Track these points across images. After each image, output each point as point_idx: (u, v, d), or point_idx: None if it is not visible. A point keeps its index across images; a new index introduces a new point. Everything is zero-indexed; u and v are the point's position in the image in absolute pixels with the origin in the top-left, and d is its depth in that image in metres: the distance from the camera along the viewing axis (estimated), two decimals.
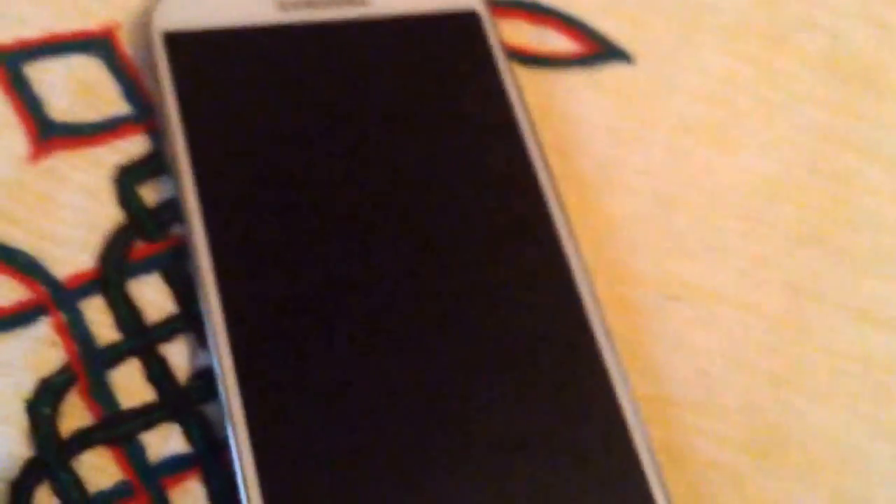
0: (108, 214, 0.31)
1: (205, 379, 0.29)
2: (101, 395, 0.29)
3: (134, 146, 0.32)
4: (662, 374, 0.31)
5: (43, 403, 0.28)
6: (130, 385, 0.29)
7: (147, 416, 0.29)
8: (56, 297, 0.29)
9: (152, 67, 0.31)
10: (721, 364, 0.32)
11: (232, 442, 0.27)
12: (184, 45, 0.32)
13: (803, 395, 0.32)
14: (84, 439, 0.28)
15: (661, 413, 0.31)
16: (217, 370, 0.27)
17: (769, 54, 0.37)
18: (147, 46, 0.32)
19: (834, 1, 0.38)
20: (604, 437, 0.28)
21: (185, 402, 0.29)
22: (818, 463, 0.31)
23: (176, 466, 0.28)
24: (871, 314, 0.33)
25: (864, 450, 0.31)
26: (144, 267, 0.30)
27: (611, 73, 0.36)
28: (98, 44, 0.33)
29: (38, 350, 0.29)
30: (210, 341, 0.28)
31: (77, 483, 0.28)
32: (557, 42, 0.36)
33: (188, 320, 0.30)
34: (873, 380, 0.32)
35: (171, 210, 0.31)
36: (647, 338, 0.32)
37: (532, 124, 0.32)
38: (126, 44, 0.33)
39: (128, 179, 0.31)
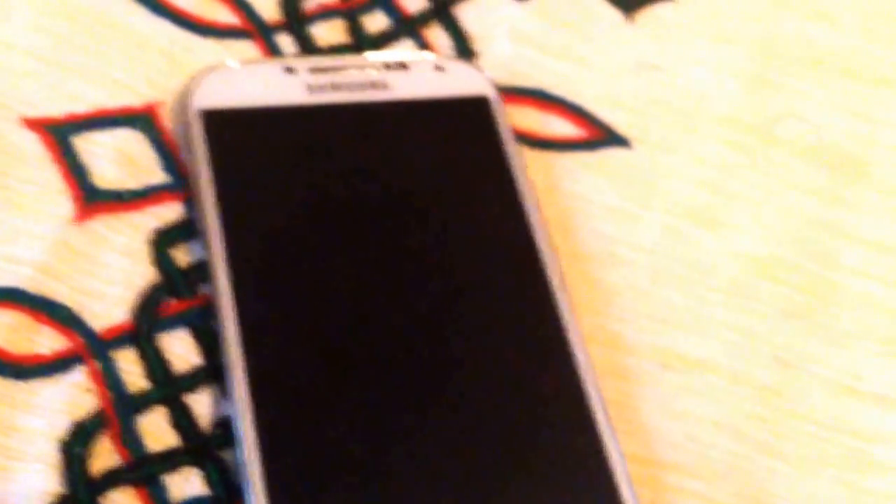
0: (143, 273, 0.32)
1: (225, 427, 0.30)
2: (129, 438, 0.29)
3: (169, 212, 0.33)
4: (653, 438, 0.32)
5: (76, 444, 0.29)
6: (157, 430, 0.30)
7: (171, 460, 0.29)
8: (92, 348, 0.30)
9: (189, 141, 0.33)
10: (709, 430, 0.32)
11: (247, 488, 0.27)
12: (218, 123, 0.33)
13: (788, 462, 0.32)
14: (112, 479, 0.29)
15: (651, 475, 0.31)
16: (236, 420, 0.28)
17: (759, 143, 0.38)
18: (185, 122, 0.33)
19: (819, 95, 0.39)
20: (595, 497, 0.29)
21: (207, 448, 0.30)
22: None
23: None
24: (853, 387, 0.34)
25: None
26: (174, 322, 0.31)
27: (610, 157, 0.37)
28: (141, 119, 0.34)
29: (74, 395, 0.30)
30: (231, 393, 0.29)
31: None
32: (562, 127, 0.37)
33: (212, 372, 0.31)
34: (854, 448, 0.33)
35: (201, 271, 0.32)
36: (640, 403, 0.32)
37: (536, 201, 0.33)
38: (166, 120, 0.34)
39: (162, 242, 0.32)
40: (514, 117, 0.36)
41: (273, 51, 0.36)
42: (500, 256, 0.33)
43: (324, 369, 0.30)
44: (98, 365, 0.30)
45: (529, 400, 0.30)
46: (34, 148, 0.33)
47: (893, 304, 0.35)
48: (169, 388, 0.30)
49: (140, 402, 0.30)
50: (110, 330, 0.31)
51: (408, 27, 0.38)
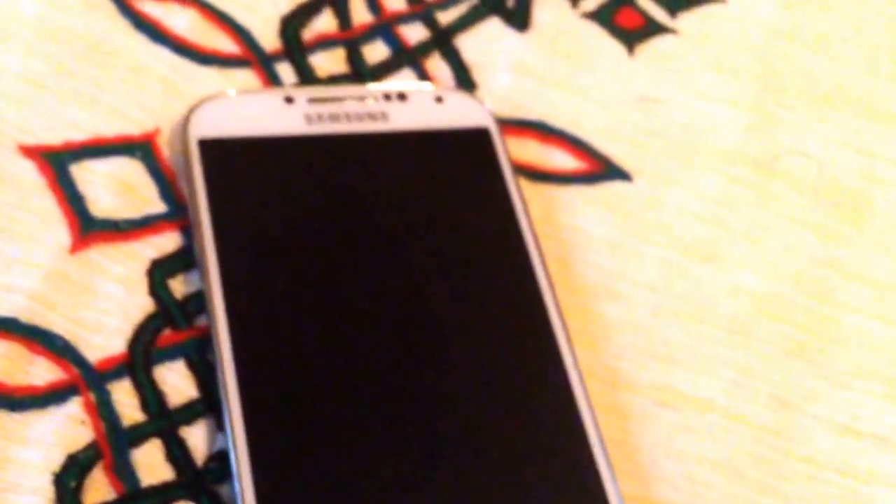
0: (139, 304, 0.32)
1: (221, 461, 0.30)
2: (123, 472, 0.29)
3: (167, 242, 0.33)
4: (651, 476, 0.32)
5: (69, 477, 0.29)
6: (151, 464, 0.29)
7: (165, 495, 0.29)
8: (87, 379, 0.30)
9: (187, 170, 0.32)
10: (708, 470, 0.32)
11: None
12: (216, 152, 0.33)
13: (785, 503, 0.32)
14: None
15: None
16: (232, 454, 0.28)
17: (760, 178, 0.37)
18: (183, 151, 0.33)
19: (822, 130, 0.39)
20: None
21: (202, 482, 0.29)
22: None
23: None
24: (853, 427, 0.33)
25: None
26: (170, 354, 0.31)
27: (611, 190, 0.36)
28: (139, 148, 0.34)
29: (68, 427, 0.29)
30: (227, 426, 0.29)
31: None
32: (562, 160, 0.37)
33: (208, 405, 0.30)
34: (854, 490, 0.32)
35: (198, 302, 0.32)
36: (638, 441, 0.32)
37: (535, 234, 0.33)
38: (164, 148, 0.34)
39: (160, 272, 0.32)
40: (515, 149, 0.36)
41: (273, 80, 0.36)
42: (499, 290, 0.32)
43: (322, 404, 0.29)
44: (93, 396, 0.30)
45: (526, 435, 0.30)
46: (31, 176, 0.33)
47: (894, 344, 0.35)
48: (164, 421, 0.30)
49: (135, 435, 0.30)
50: (106, 361, 0.31)
51: (408, 57, 0.38)
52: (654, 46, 0.40)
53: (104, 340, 0.31)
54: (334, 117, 0.34)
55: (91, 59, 0.35)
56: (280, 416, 0.29)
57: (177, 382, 0.31)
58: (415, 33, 0.38)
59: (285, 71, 0.37)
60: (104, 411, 0.30)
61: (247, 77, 0.36)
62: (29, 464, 0.29)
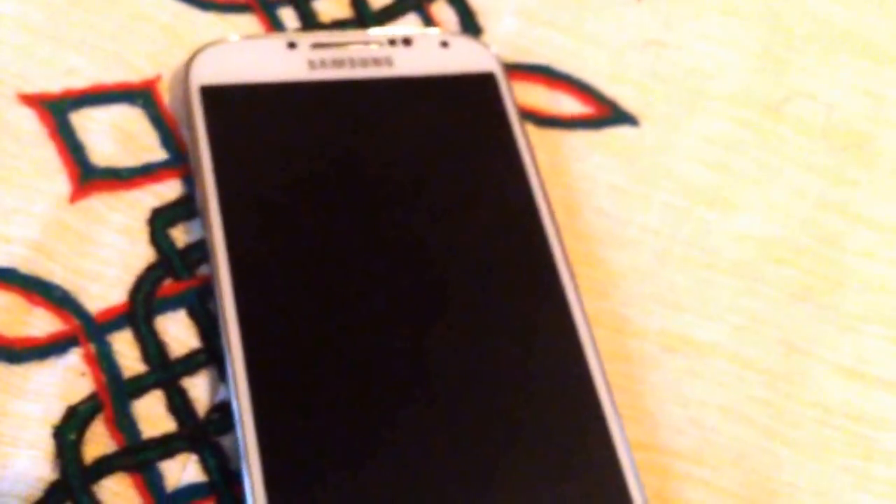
0: (140, 253, 0.31)
1: (223, 412, 0.30)
2: (124, 423, 0.29)
3: (168, 190, 0.32)
4: (658, 423, 0.32)
5: (69, 430, 0.29)
6: (152, 415, 0.29)
7: (167, 446, 0.29)
8: (87, 330, 0.30)
9: (188, 118, 0.32)
10: (715, 415, 0.32)
11: (245, 474, 0.27)
12: (218, 98, 0.32)
13: (793, 448, 0.32)
14: (106, 465, 0.29)
15: (655, 461, 0.31)
16: (234, 404, 0.28)
17: (767, 122, 0.37)
18: (184, 98, 0.33)
19: (830, 73, 0.38)
20: (599, 483, 0.29)
21: (204, 433, 0.29)
22: None
23: (192, 495, 0.29)
24: (860, 371, 0.33)
25: (849, 503, 0.32)
26: (172, 304, 0.31)
27: (617, 135, 0.36)
28: (140, 95, 0.34)
29: (68, 379, 0.29)
30: (229, 376, 0.28)
31: None
32: (568, 104, 0.36)
33: (210, 356, 0.30)
34: (861, 435, 0.33)
35: (200, 251, 0.32)
36: (644, 387, 0.32)
37: (541, 180, 0.33)
38: (166, 95, 0.34)
39: (161, 221, 0.32)
40: (521, 94, 0.36)
41: (275, 25, 0.36)
42: (504, 237, 0.32)
43: (324, 353, 0.29)
44: (93, 348, 0.30)
45: (533, 384, 0.30)
46: (30, 124, 0.33)
47: None
48: (165, 372, 0.30)
49: (135, 386, 0.30)
50: (106, 311, 0.31)
51: (413, 2, 0.37)
52: None
53: (104, 290, 0.31)
54: (338, 63, 0.34)
55: (91, 5, 0.35)
56: (282, 367, 0.29)
57: (178, 333, 0.31)
58: None
59: (288, 16, 0.36)
60: (104, 362, 0.30)
61: (249, 22, 0.36)
62: (29, 416, 0.29)
